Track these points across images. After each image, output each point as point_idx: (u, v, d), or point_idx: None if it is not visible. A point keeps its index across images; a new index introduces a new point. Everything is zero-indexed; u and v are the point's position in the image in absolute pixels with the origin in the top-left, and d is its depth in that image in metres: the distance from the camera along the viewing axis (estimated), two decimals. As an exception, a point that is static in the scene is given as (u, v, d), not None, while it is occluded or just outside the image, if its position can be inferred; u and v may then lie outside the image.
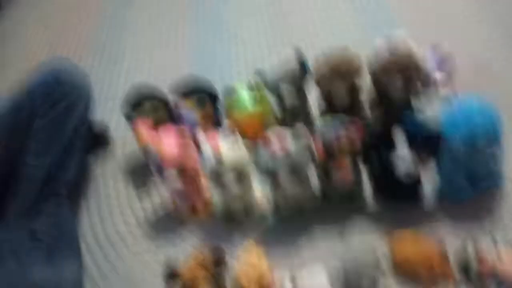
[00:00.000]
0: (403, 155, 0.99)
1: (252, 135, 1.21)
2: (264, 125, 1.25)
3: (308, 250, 1.04)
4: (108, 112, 1.51)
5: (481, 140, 0.99)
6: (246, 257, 0.99)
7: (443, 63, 1.41)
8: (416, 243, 0.98)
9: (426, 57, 1.36)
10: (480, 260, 0.93)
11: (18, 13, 2.11)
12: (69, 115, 1.20)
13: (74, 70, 1.26)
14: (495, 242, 0.97)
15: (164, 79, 1.57)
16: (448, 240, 0.99)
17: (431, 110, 1.17)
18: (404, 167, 0.99)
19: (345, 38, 1.63)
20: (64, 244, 1.07)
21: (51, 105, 1.17)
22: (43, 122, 1.17)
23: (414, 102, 1.24)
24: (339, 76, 1.17)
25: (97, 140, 1.39)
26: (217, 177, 1.04)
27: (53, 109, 1.17)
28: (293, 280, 0.94)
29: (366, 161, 1.06)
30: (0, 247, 0.97)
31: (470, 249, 0.95)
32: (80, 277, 1.05)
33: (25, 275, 0.96)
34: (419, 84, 1.20)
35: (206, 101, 1.24)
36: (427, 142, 1.01)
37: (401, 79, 1.15)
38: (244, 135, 1.14)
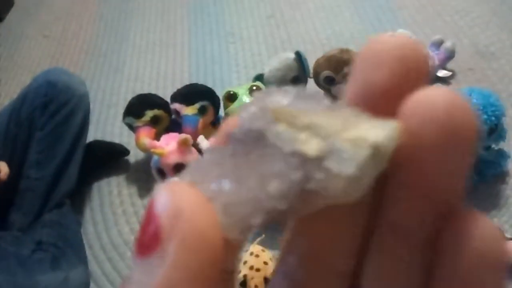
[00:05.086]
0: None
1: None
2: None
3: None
4: (110, 120, 1.51)
5: (482, 126, 0.98)
6: (253, 261, 0.99)
7: (446, 60, 1.41)
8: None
9: (428, 55, 1.36)
10: None
11: (17, 25, 2.11)
12: (68, 125, 1.19)
13: (71, 79, 1.24)
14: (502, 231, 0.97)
15: (165, 86, 1.59)
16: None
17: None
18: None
19: (347, 41, 1.63)
20: (70, 252, 1.07)
21: (50, 116, 1.17)
22: (42, 133, 1.16)
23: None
24: (338, 75, 1.17)
25: (115, 152, 1.38)
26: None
27: (52, 120, 1.17)
28: None
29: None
30: (8, 259, 0.97)
31: None
32: (87, 285, 1.06)
33: (33, 284, 0.97)
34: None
35: (208, 108, 1.24)
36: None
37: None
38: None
